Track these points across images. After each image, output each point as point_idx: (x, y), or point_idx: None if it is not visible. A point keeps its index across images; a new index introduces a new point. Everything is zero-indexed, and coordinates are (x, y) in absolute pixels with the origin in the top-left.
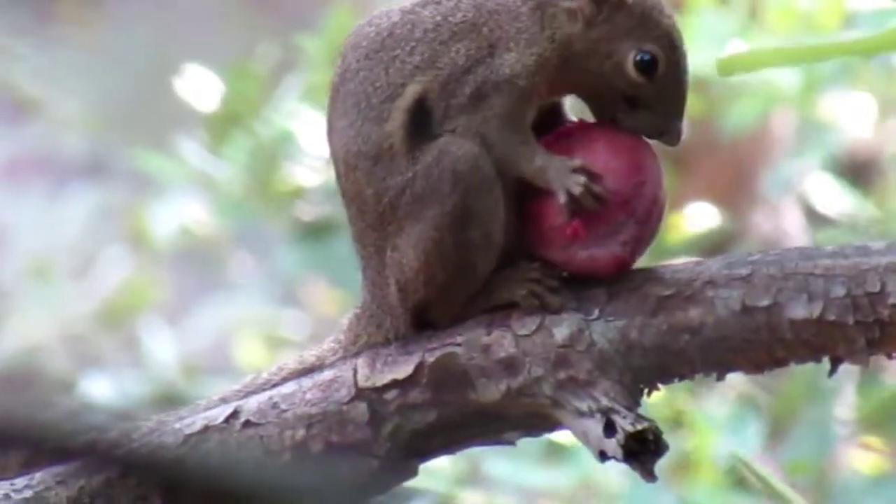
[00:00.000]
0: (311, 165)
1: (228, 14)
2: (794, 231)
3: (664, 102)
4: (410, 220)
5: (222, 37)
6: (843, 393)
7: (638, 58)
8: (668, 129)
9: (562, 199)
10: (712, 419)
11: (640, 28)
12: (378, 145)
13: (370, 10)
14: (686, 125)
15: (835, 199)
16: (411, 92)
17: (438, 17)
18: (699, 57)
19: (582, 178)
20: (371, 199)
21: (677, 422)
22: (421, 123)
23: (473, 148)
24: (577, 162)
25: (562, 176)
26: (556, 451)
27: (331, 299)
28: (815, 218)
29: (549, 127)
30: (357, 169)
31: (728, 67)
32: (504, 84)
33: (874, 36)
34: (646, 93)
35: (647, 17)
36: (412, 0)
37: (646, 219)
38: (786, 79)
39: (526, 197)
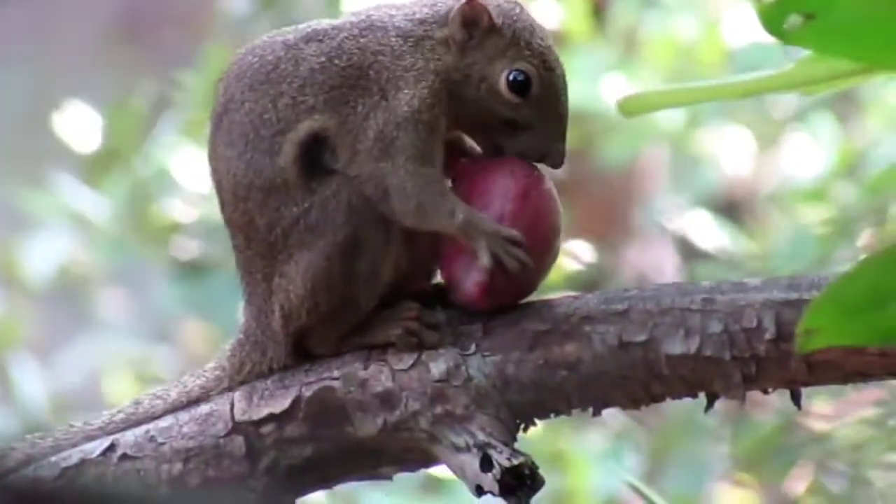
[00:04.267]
0: (190, 201)
1: (106, 52)
2: (668, 268)
3: (542, 123)
4: (301, 248)
5: (100, 74)
6: (721, 430)
7: (511, 77)
8: (549, 150)
9: (485, 261)
10: (589, 454)
11: (512, 49)
12: (270, 177)
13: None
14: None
15: (711, 234)
16: (305, 127)
17: (323, 58)
18: (576, 90)
19: (514, 249)
20: (263, 228)
21: (556, 458)
22: (314, 156)
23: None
24: (510, 231)
25: (490, 241)
26: (434, 485)
27: (204, 337)
28: (690, 253)
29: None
30: (248, 199)
31: (629, 107)
32: (406, 122)
33: (781, 74)
34: (523, 114)
35: (518, 38)
36: (294, 33)
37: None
38: (666, 115)
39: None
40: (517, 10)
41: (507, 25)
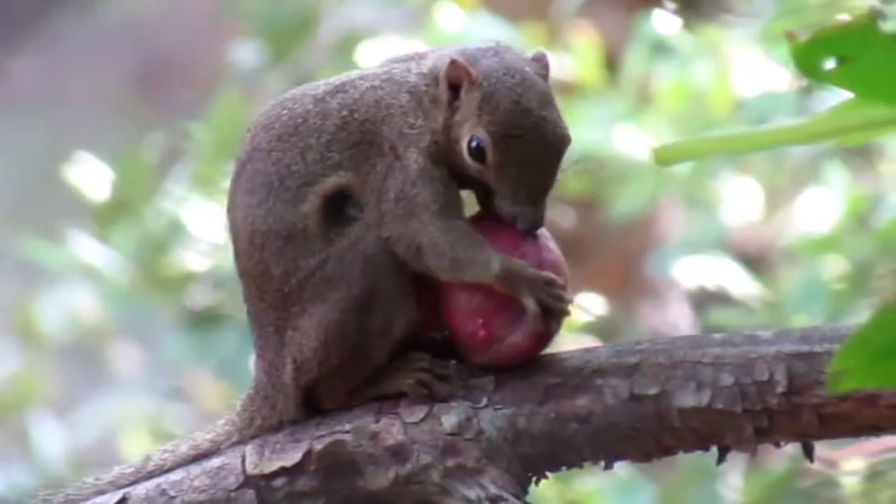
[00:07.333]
0: (201, 251)
1: (117, 105)
2: (682, 321)
3: (507, 188)
4: (316, 301)
5: (111, 127)
6: (730, 476)
7: (471, 144)
8: (516, 214)
9: (532, 308)
10: (601, 495)
11: (478, 112)
12: (291, 225)
13: (257, 100)
14: (572, 212)
15: (724, 277)
16: (332, 182)
17: (345, 112)
18: (588, 139)
19: (556, 291)
20: (278, 278)
21: (568, 501)
22: (336, 208)
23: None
24: (550, 275)
25: (533, 287)
26: None
27: (217, 393)
28: (704, 300)
29: None
30: (265, 248)
31: (664, 157)
32: (419, 179)
33: (813, 123)
34: (487, 178)
35: (486, 103)
36: (325, 86)
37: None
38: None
39: (437, 302)
40: (501, 72)
41: (482, 86)
